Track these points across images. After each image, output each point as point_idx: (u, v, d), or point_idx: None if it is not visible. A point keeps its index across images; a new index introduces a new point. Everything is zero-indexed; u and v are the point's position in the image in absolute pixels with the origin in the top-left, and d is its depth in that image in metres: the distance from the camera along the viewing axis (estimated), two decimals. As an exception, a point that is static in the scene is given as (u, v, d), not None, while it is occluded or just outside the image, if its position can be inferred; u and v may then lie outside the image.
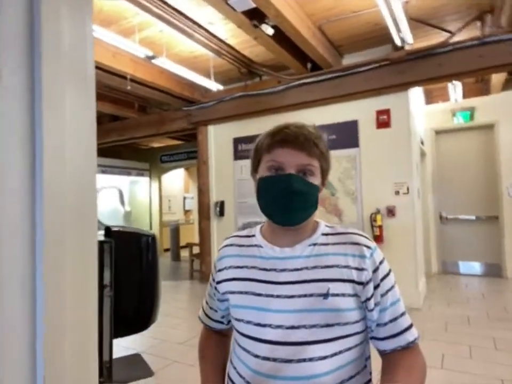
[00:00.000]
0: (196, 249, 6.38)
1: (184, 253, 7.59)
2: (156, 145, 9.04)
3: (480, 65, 3.65)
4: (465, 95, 5.68)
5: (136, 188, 8.89)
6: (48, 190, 0.45)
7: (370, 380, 0.81)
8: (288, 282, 0.78)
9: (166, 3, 3.46)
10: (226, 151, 5.49)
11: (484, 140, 5.48)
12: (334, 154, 4.07)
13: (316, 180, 0.81)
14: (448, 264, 5.72)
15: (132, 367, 0.95)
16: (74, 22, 0.50)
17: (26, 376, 0.46)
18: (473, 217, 5.53)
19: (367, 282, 0.77)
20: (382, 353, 0.81)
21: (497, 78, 4.93)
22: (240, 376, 0.81)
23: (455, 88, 5.44)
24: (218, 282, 0.90)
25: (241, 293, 0.82)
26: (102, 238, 0.88)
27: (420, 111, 5.28)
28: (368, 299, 0.77)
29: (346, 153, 4.43)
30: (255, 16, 3.41)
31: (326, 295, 0.75)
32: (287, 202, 0.78)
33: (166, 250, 8.95)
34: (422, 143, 5.29)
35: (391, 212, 4.20)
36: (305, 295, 0.76)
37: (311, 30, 3.86)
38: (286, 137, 0.79)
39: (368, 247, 0.80)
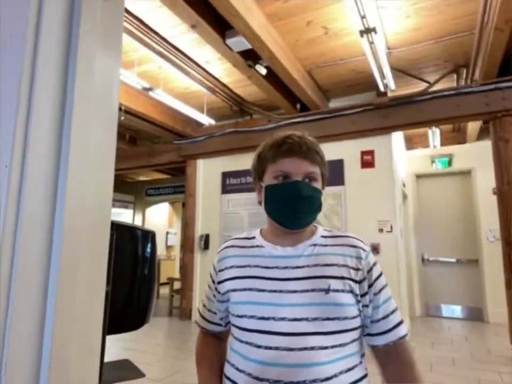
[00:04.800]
0: (177, 285, 6.19)
1: (164, 290, 7.34)
2: (142, 178, 9.05)
3: (456, 113, 3.93)
4: (443, 143, 6.03)
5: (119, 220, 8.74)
6: (71, 201, 0.49)
7: (366, 375, 0.82)
8: (291, 279, 0.82)
9: (167, 41, 3.66)
10: (214, 184, 5.55)
11: (462, 185, 5.74)
12: (321, 190, 4.20)
13: (318, 185, 0.87)
14: (431, 307, 5.72)
15: (122, 370, 0.91)
16: (105, 63, 0.57)
17: (31, 371, 0.46)
18: (454, 260, 5.64)
19: (361, 281, 0.83)
20: (375, 348, 0.86)
21: (472, 128, 5.29)
22: (240, 370, 0.80)
23: (434, 136, 5.79)
24: (220, 283, 0.91)
25: (244, 289, 0.84)
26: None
27: (401, 155, 5.54)
28: (363, 295, 0.83)
29: (332, 191, 4.55)
30: (250, 56, 3.63)
31: (327, 290, 0.79)
32: (296, 207, 0.84)
33: (145, 286, 8.63)
34: (404, 185, 5.50)
35: (375, 249, 4.26)
36: (307, 290, 0.79)
37: (301, 73, 4.13)
38: (291, 147, 0.85)
39: (364, 250, 0.87)
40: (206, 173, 5.70)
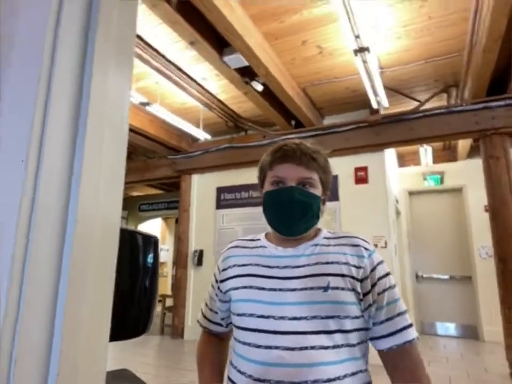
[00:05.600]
0: (169, 302, 6.08)
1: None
2: (135, 193, 9.00)
3: (447, 131, 4.02)
4: (434, 161, 6.13)
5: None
6: (82, 215, 0.49)
7: (370, 382, 0.81)
8: (290, 278, 0.82)
9: (165, 58, 3.73)
10: (208, 200, 5.54)
11: (454, 202, 5.81)
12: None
13: (316, 191, 0.87)
14: (426, 325, 5.68)
15: (122, 379, 0.88)
16: (117, 79, 0.59)
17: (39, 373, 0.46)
18: (447, 277, 5.65)
19: (363, 280, 0.81)
20: (380, 353, 0.82)
21: (463, 146, 5.40)
22: (241, 372, 0.79)
23: (426, 154, 5.89)
24: (222, 281, 0.91)
25: (245, 287, 0.85)
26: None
27: (394, 172, 5.61)
28: (366, 294, 0.81)
29: (327, 206, 4.53)
30: (247, 73, 3.71)
31: (326, 288, 0.78)
32: (290, 212, 0.84)
33: (136, 304, 8.47)
34: (397, 201, 5.55)
35: (370, 265, 4.25)
36: (306, 288, 0.79)
37: (296, 90, 4.21)
38: (285, 153, 0.87)
39: (367, 249, 0.86)
40: (201, 188, 5.70)
